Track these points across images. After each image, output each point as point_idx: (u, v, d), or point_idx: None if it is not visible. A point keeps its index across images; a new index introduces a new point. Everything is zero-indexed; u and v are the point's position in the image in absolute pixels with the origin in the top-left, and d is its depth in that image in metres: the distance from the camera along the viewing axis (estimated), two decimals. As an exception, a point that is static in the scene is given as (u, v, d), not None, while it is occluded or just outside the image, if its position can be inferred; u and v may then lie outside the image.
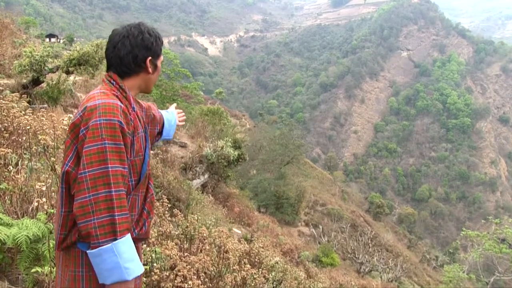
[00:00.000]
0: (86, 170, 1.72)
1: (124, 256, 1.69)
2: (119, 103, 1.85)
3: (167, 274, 3.91)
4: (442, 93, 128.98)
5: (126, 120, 1.83)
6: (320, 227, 27.75)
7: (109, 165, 1.72)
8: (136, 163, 1.92)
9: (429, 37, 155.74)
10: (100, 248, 1.68)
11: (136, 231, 1.92)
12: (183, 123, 2.81)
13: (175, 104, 2.83)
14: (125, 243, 1.71)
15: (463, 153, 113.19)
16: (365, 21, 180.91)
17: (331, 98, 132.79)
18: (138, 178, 1.94)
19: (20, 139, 4.22)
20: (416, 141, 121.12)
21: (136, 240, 1.96)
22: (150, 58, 2.00)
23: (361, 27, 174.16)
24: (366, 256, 21.31)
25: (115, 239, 1.69)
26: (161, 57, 2.11)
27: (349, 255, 22.29)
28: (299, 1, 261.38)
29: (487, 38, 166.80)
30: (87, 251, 1.73)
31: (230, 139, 15.62)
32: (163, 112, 2.60)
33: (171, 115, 2.64)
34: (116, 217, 1.70)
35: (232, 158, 15.50)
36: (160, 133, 2.51)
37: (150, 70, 2.02)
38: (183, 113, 2.82)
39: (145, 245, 4.14)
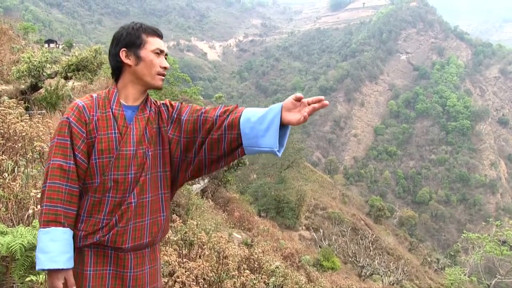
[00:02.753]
0: (45, 164, 1.90)
1: (39, 245, 1.77)
2: (79, 102, 1.91)
3: (166, 280, 3.87)
4: (442, 96, 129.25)
5: (80, 117, 1.87)
6: (321, 231, 27.66)
7: (52, 159, 1.83)
8: (104, 164, 1.87)
9: (428, 40, 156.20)
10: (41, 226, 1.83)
11: (97, 236, 1.86)
12: (300, 118, 1.81)
13: (298, 95, 1.84)
14: (45, 234, 1.77)
15: (463, 156, 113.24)
16: (364, 25, 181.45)
17: (331, 101, 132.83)
18: (104, 180, 1.88)
19: (16, 146, 4.19)
20: (416, 144, 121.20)
21: (116, 249, 1.90)
22: (123, 49, 1.97)
23: (360, 31, 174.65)
24: (367, 260, 21.25)
25: (40, 228, 1.80)
26: (149, 47, 1.98)
27: (350, 259, 22.24)
28: (298, 5, 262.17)
29: (485, 41, 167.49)
30: None
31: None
32: (252, 110, 1.91)
33: (268, 112, 1.85)
34: (44, 208, 1.79)
35: (232, 163, 15.48)
36: (235, 142, 1.91)
37: (127, 61, 1.97)
38: (318, 100, 1.84)
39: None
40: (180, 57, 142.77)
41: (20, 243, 2.63)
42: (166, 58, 2.08)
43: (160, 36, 2.07)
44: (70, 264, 1.79)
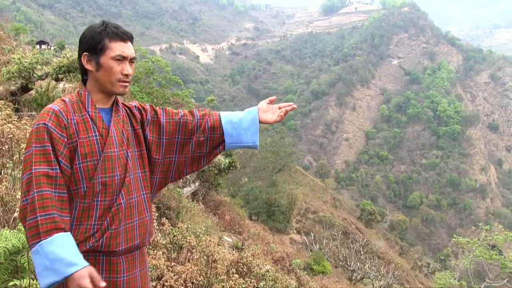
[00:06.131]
0: (23, 175, 1.76)
1: (50, 256, 1.65)
2: (54, 106, 1.85)
3: (154, 284, 3.84)
4: (433, 101, 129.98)
5: (58, 121, 1.81)
6: (312, 234, 27.67)
7: (33, 168, 1.72)
8: (88, 168, 1.85)
9: (420, 45, 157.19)
10: (32, 250, 1.69)
11: (90, 242, 1.83)
12: (277, 118, 2.22)
13: (271, 98, 2.28)
14: (50, 243, 1.66)
15: (454, 160, 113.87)
16: (356, 29, 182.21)
17: (323, 105, 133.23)
18: (92, 184, 1.86)
19: (3, 148, 4.14)
20: (407, 148, 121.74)
21: (107, 253, 1.88)
22: (85, 54, 1.93)
23: (352, 35, 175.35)
24: (358, 264, 21.28)
25: (40, 241, 1.66)
26: (109, 54, 1.91)
27: (340, 263, 22.25)
28: (291, 9, 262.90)
29: (476, 47, 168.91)
30: None
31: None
32: (229, 113, 2.22)
33: (247, 114, 2.21)
34: (39, 218, 1.67)
35: (223, 166, 15.48)
36: (217, 141, 2.19)
37: (88, 67, 1.93)
38: (289, 105, 2.27)
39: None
40: (172, 59, 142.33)
41: (4, 247, 2.60)
42: (133, 62, 2.00)
43: (125, 39, 1.97)
44: (86, 262, 1.71)
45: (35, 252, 1.67)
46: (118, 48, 1.92)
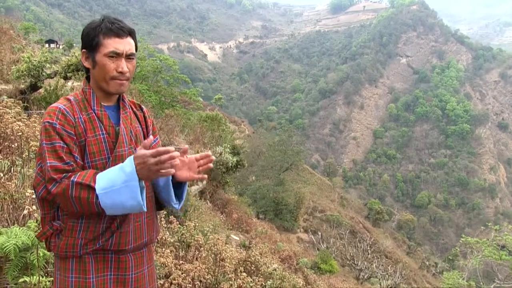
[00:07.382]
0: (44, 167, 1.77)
1: (111, 184, 1.68)
2: (60, 105, 1.81)
3: (162, 282, 3.85)
4: (441, 100, 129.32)
5: (66, 120, 1.78)
6: (319, 233, 27.66)
7: (48, 161, 1.72)
8: (97, 167, 1.83)
9: (428, 44, 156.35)
10: (101, 207, 1.69)
11: (100, 241, 1.81)
12: (194, 175, 1.96)
13: (184, 148, 1.94)
14: (101, 179, 1.68)
15: (462, 159, 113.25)
16: (364, 28, 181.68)
17: (330, 104, 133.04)
18: None
19: (12, 145, 4.17)
20: (415, 147, 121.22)
21: (116, 251, 1.87)
22: (83, 51, 1.90)
23: (360, 34, 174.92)
24: (365, 263, 21.24)
25: (94, 189, 1.67)
26: (103, 50, 1.84)
27: (348, 262, 22.22)
28: (299, 7, 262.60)
29: (486, 45, 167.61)
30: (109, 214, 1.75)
31: (228, 145, 15.58)
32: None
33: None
34: (76, 180, 1.68)
35: (230, 164, 15.45)
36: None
37: (85, 64, 1.90)
38: (207, 158, 1.99)
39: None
40: (180, 58, 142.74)
41: (14, 244, 2.61)
42: (132, 59, 1.92)
43: (120, 35, 1.88)
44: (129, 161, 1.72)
45: (103, 201, 1.68)
46: (111, 44, 1.85)
